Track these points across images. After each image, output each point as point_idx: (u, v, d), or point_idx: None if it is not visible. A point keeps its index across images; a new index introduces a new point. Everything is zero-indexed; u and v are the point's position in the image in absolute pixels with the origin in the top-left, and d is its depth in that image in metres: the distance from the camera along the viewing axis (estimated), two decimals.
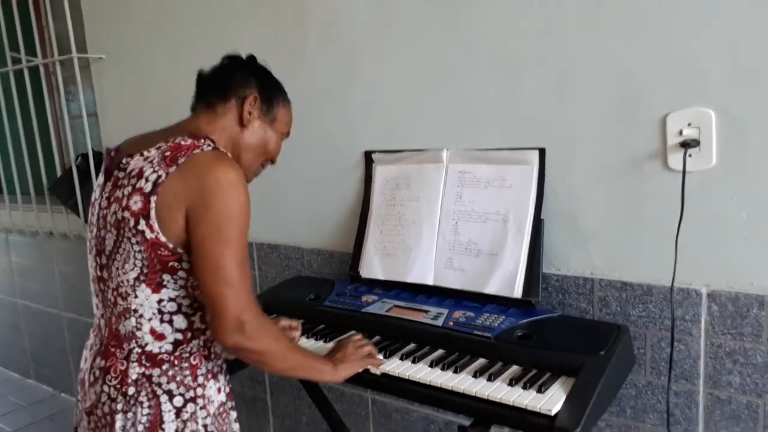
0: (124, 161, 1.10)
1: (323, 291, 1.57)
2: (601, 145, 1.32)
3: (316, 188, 1.80)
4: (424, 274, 1.48)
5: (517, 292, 1.35)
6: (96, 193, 1.15)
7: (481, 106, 1.46)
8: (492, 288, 1.38)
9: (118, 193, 1.07)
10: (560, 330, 1.26)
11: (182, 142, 1.06)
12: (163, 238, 1.03)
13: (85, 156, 2.47)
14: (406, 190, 1.56)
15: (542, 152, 1.39)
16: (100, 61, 2.38)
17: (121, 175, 1.09)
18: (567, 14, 1.32)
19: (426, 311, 1.38)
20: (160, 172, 1.03)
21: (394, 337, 1.35)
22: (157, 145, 1.07)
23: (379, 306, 1.43)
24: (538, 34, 1.35)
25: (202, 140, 1.08)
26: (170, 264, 1.05)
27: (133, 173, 1.06)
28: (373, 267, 1.56)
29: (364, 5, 1.61)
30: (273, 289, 1.69)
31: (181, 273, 1.06)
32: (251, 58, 1.24)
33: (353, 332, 1.36)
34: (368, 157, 1.66)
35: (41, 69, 2.66)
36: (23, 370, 3.32)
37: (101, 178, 1.15)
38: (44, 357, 3.15)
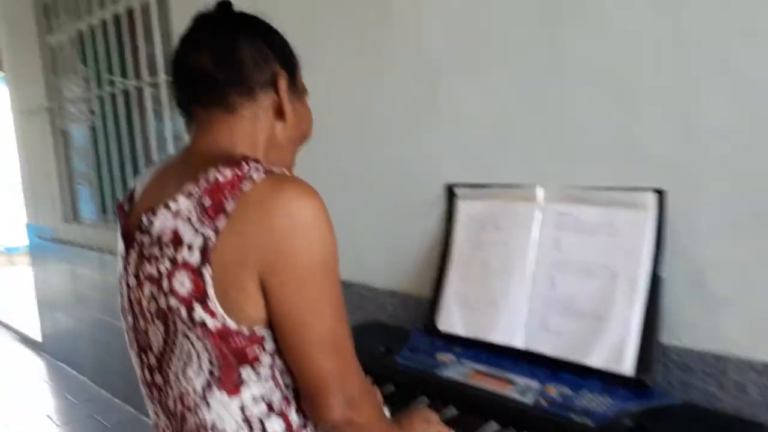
0: (144, 221, 0.80)
1: (396, 342, 1.37)
2: (738, 188, 1.04)
3: (393, 223, 1.61)
4: (512, 335, 1.25)
5: (627, 368, 1.09)
6: (119, 266, 0.88)
7: (585, 135, 1.22)
8: (595, 359, 1.13)
9: (151, 270, 0.79)
10: (683, 423, 0.99)
11: (219, 178, 0.76)
12: (233, 324, 0.76)
13: None
14: (493, 232, 1.34)
15: (661, 194, 1.12)
16: None
17: (146, 240, 0.80)
18: (697, 27, 1.06)
19: (513, 382, 1.15)
20: (207, 232, 0.75)
21: (472, 411, 1.13)
22: (185, 190, 0.78)
23: (458, 369, 1.22)
24: (659, 51, 1.10)
25: (245, 165, 0.77)
26: (250, 353, 0.78)
27: (165, 239, 0.78)
28: (452, 319, 1.35)
29: (450, 22, 1.42)
30: None
31: (265, 359, 0.80)
32: (228, 7, 0.89)
33: (423, 406, 1.15)
34: (450, 191, 1.45)
35: (133, 92, 2.68)
36: (113, 389, 3.36)
37: (120, 245, 0.88)
38: (131, 378, 3.17)
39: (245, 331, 0.77)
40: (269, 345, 0.79)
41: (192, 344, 0.78)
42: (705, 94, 1.06)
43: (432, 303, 1.42)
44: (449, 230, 1.44)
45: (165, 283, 0.77)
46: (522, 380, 1.15)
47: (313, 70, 1.69)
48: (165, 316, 0.78)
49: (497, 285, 1.30)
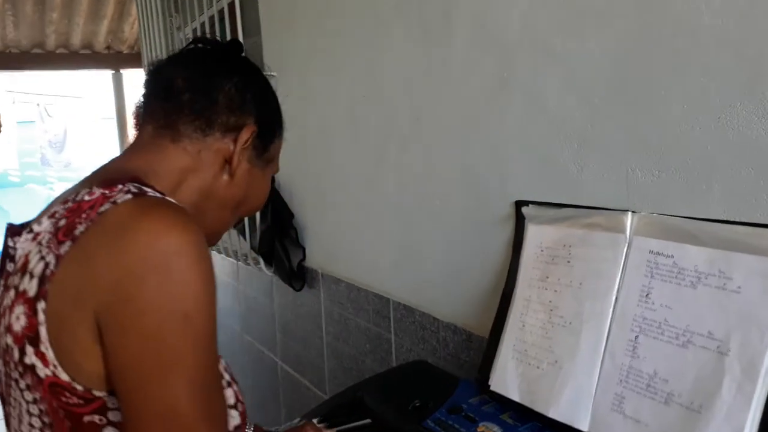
0: (10, 244, 0.69)
1: (437, 395, 1.10)
2: None
3: (455, 243, 1.33)
4: (576, 413, 0.92)
5: None
6: None
7: (696, 139, 0.86)
8: None
9: (6, 300, 0.66)
10: None
11: (86, 197, 0.64)
12: (65, 376, 0.60)
13: None
14: (564, 268, 1.02)
15: None
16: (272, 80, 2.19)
17: (10, 267, 0.68)
18: None
19: None
20: (49, 258, 0.62)
21: None
22: (51, 211, 0.67)
23: None
24: None
25: (119, 186, 0.64)
26: (86, 422, 0.62)
27: (19, 265, 0.66)
28: (506, 378, 1.05)
29: (524, 4, 1.10)
30: (382, 376, 1.27)
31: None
32: (237, 50, 0.82)
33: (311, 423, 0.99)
34: (519, 209, 1.14)
35: None
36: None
37: None
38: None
39: (79, 389, 0.61)
40: (113, 415, 0.62)
41: (22, 394, 0.65)
42: None
43: (488, 351, 1.13)
44: (515, 260, 1.13)
45: (7, 317, 0.65)
46: None
47: (383, 62, 1.44)
48: (4, 357, 0.66)
49: (563, 341, 0.97)
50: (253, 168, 0.80)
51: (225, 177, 0.77)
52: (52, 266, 0.61)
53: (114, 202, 0.62)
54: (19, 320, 0.63)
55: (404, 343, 1.52)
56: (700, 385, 0.80)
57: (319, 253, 1.93)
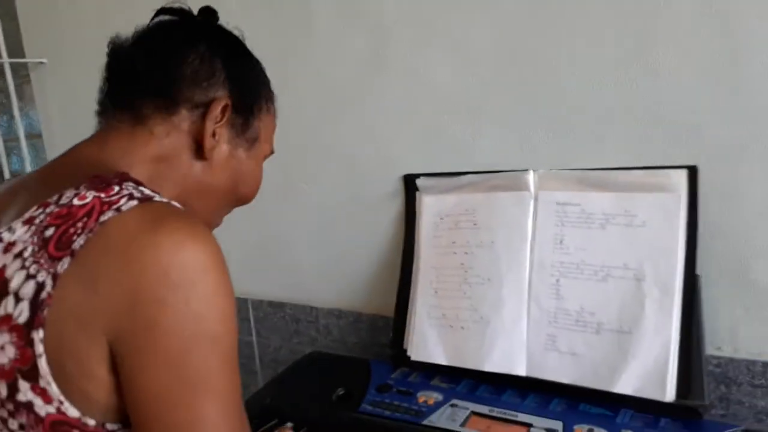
0: None
1: (356, 381, 1.06)
2: None
3: (334, 226, 1.30)
4: (513, 361, 0.98)
5: (671, 394, 0.87)
6: None
7: (586, 100, 0.98)
8: (627, 385, 0.89)
9: None
10: None
11: (75, 201, 0.54)
12: (74, 411, 0.51)
13: None
14: (471, 231, 1.07)
15: (693, 172, 0.91)
16: (40, 67, 1.86)
17: None
18: None
19: (528, 425, 0.88)
20: (42, 277, 0.51)
21: None
22: (27, 215, 0.55)
23: (450, 414, 0.93)
24: None
25: (115, 187, 0.55)
26: None
27: None
28: (428, 345, 1.07)
29: None
30: (282, 376, 1.18)
31: None
32: (209, 17, 0.72)
33: None
34: (409, 183, 1.17)
35: None
36: None
37: None
38: None
39: (90, 424, 0.51)
40: None
41: None
42: (750, 34, 0.85)
43: (397, 325, 1.13)
44: (410, 233, 1.15)
45: None
46: (540, 421, 0.88)
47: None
48: None
49: (485, 297, 1.03)
50: (236, 149, 0.69)
51: (200, 161, 0.67)
52: (48, 288, 0.50)
53: (117, 210, 0.52)
54: (4, 351, 0.51)
55: (271, 343, 1.43)
56: (625, 311, 0.92)
57: None
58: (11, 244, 0.54)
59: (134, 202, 0.53)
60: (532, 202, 1.02)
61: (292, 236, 1.36)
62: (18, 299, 0.51)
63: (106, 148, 0.63)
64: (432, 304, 1.08)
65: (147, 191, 0.56)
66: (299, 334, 1.38)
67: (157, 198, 0.56)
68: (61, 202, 0.54)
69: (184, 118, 0.65)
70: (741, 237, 0.89)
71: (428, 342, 1.07)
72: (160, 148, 0.64)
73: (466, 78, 1.08)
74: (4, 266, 0.53)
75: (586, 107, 0.98)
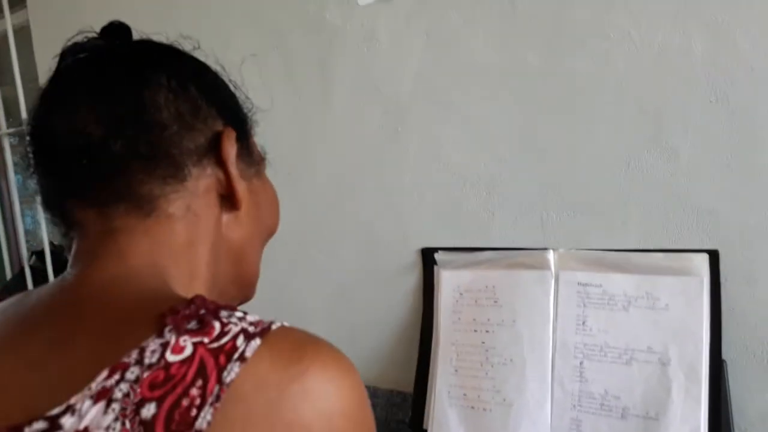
0: None
1: None
2: None
3: (350, 297, 1.30)
4: None
5: None
6: None
7: (604, 180, 0.99)
8: None
9: None
10: None
11: (170, 356, 0.39)
12: None
13: (40, 254, 1.94)
14: (492, 309, 1.07)
15: (714, 256, 0.91)
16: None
17: None
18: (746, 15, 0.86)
19: None
20: None
21: None
22: (95, 387, 0.38)
23: None
24: (710, 73, 0.89)
25: (215, 323, 0.41)
26: None
27: None
28: (448, 426, 1.05)
29: (415, 43, 1.15)
30: None
31: None
32: (125, 35, 0.55)
33: None
34: (427, 256, 1.17)
35: None
36: None
37: None
38: None
39: None
40: None
41: None
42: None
43: (416, 403, 1.12)
44: (429, 308, 1.15)
45: None
46: None
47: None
48: None
49: (507, 379, 1.02)
50: (250, 181, 0.56)
51: (230, 216, 0.54)
52: None
53: (242, 358, 0.39)
54: None
55: None
56: (651, 396, 0.91)
57: None
58: None
59: (256, 342, 0.40)
60: (553, 282, 1.02)
61: (306, 306, 1.36)
62: None
63: (129, 262, 0.48)
64: (453, 383, 1.07)
65: (248, 316, 0.43)
66: None
67: (272, 324, 0.43)
68: (148, 361, 0.39)
69: (198, 177, 0.50)
70: (764, 321, 0.89)
71: (450, 423, 1.05)
72: (188, 229, 0.50)
73: (483, 155, 1.10)
74: None
75: (604, 188, 0.99)
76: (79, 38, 0.53)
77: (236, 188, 0.52)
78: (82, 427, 0.37)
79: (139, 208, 0.49)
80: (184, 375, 0.38)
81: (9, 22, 1.96)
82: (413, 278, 1.19)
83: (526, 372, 1.00)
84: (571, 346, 0.98)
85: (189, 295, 0.45)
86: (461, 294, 1.11)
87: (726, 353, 0.89)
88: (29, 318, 0.46)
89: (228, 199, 0.53)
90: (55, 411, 0.37)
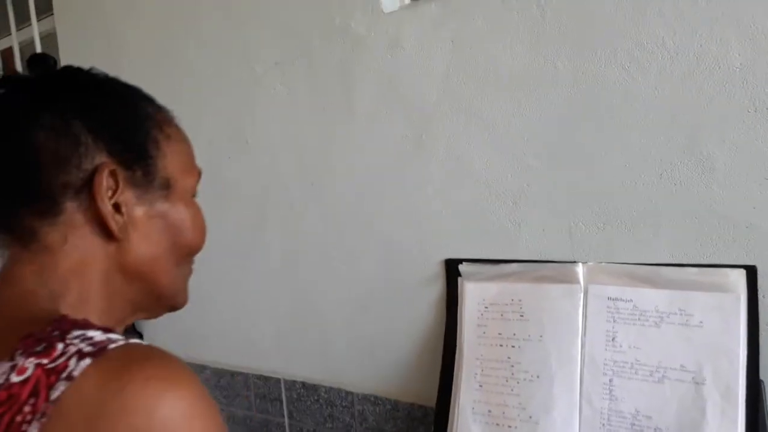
0: None
1: None
2: None
3: (372, 308, 1.27)
4: None
5: None
6: None
7: (635, 192, 0.96)
8: None
9: None
10: None
11: (14, 377, 0.43)
12: None
13: None
14: (518, 323, 1.04)
15: (752, 272, 0.88)
16: None
17: None
18: None
19: None
20: None
21: None
22: None
23: None
24: (746, 70, 0.86)
25: (59, 345, 0.45)
26: None
27: None
28: None
29: (440, 49, 1.13)
30: None
31: None
32: (40, 68, 0.59)
33: None
34: (451, 267, 1.15)
35: None
36: None
37: None
38: None
39: None
40: None
41: None
42: None
43: (439, 417, 1.09)
44: (452, 320, 1.12)
45: None
46: None
47: (265, 114, 1.35)
48: None
49: (534, 395, 0.99)
50: (152, 206, 0.58)
51: (115, 243, 0.56)
52: None
53: (69, 378, 0.42)
54: None
55: (304, 426, 1.39)
56: (684, 416, 0.88)
57: (167, 337, 1.69)
58: None
59: (87, 361, 0.43)
60: (581, 296, 0.99)
61: (327, 316, 1.34)
62: None
63: (19, 288, 0.52)
64: (476, 398, 1.05)
65: (98, 335, 0.46)
66: (333, 419, 1.34)
67: (113, 342, 0.45)
68: None
69: (74, 211, 0.53)
70: None
71: None
72: (67, 258, 0.53)
73: (509, 164, 1.08)
74: None
75: (636, 200, 0.96)
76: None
77: (107, 219, 0.54)
78: None
79: (20, 239, 0.54)
80: (21, 394, 0.41)
81: (36, 30, 1.98)
82: (436, 290, 1.17)
83: (553, 389, 0.97)
84: (601, 362, 0.95)
85: (80, 315, 0.49)
86: (486, 307, 1.08)
87: (764, 373, 0.86)
88: None
89: (106, 231, 0.55)
90: None
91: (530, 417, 0.98)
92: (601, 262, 0.99)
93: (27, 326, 0.46)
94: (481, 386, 1.05)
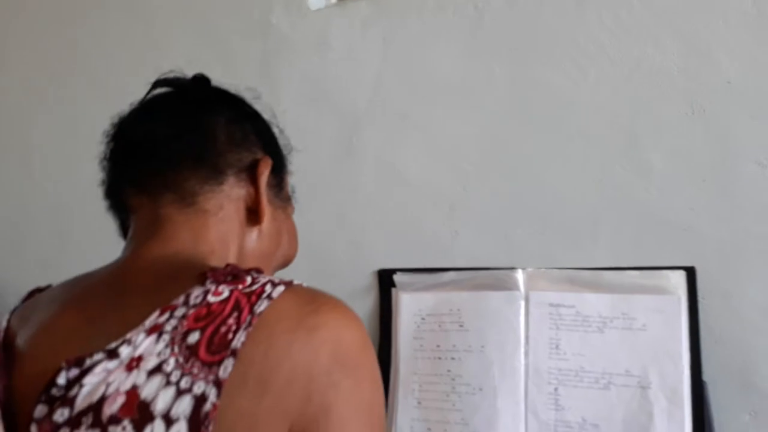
0: (61, 380, 0.47)
1: None
2: None
3: None
4: None
5: None
6: None
7: (574, 196, 0.95)
8: None
9: None
10: None
11: (211, 299, 0.48)
12: None
13: None
14: (458, 334, 0.99)
15: (691, 273, 0.88)
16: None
17: (61, 416, 0.46)
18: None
19: None
20: (201, 388, 0.45)
21: None
22: (147, 324, 0.48)
23: None
24: (684, 75, 0.88)
25: (248, 277, 0.51)
26: None
27: (112, 409, 0.45)
28: None
29: (369, 53, 1.08)
30: None
31: None
32: (205, 81, 0.67)
33: None
34: (384, 278, 1.08)
35: None
36: None
37: None
38: None
39: None
40: None
41: None
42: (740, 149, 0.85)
43: None
44: (387, 333, 1.06)
45: None
46: None
47: None
48: None
49: (477, 409, 0.94)
50: (276, 211, 0.65)
51: (253, 231, 0.62)
52: (212, 398, 0.44)
53: (269, 297, 0.49)
54: None
55: None
56: (632, 421, 0.86)
57: None
58: (137, 360, 0.46)
59: (281, 287, 0.50)
60: (522, 303, 0.96)
61: None
62: (170, 422, 0.44)
63: (172, 244, 0.57)
64: (415, 416, 0.98)
65: (273, 277, 0.53)
66: None
67: (294, 281, 0.53)
68: (193, 302, 0.48)
69: (233, 185, 0.60)
70: (743, 340, 0.87)
71: None
72: (219, 225, 0.59)
73: (445, 170, 1.04)
74: (135, 387, 0.45)
75: (574, 204, 0.95)
76: (169, 75, 0.65)
77: (262, 202, 0.61)
78: (137, 354, 0.46)
79: (182, 199, 0.58)
80: (223, 310, 0.48)
81: None
82: (369, 302, 1.10)
83: (497, 402, 0.93)
84: (545, 371, 0.92)
85: None
86: (423, 318, 1.03)
87: (705, 374, 0.86)
88: (89, 288, 0.57)
89: (253, 212, 0.61)
90: (113, 344, 0.47)
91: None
92: (541, 268, 0.97)
93: (189, 268, 0.52)
94: (419, 403, 0.99)
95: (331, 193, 1.13)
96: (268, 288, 0.49)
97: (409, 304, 1.05)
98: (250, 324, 0.47)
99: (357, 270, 1.11)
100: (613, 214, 0.93)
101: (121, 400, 0.45)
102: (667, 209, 0.89)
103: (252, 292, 0.49)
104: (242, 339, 0.46)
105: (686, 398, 0.85)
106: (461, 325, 0.99)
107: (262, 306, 0.48)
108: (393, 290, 1.07)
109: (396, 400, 1.01)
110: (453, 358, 0.98)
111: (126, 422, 0.44)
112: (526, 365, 0.94)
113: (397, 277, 1.06)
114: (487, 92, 1.00)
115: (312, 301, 0.50)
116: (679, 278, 0.88)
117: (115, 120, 0.64)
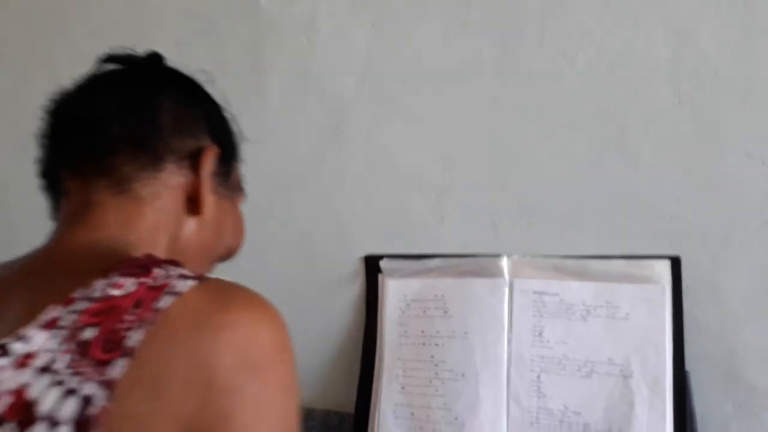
0: None
1: None
2: None
3: (284, 309, 1.17)
4: None
5: None
6: None
7: (560, 184, 0.95)
8: None
9: None
10: None
11: (114, 292, 0.45)
12: None
13: None
14: (442, 320, 0.99)
15: (676, 262, 0.88)
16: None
17: None
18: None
19: None
20: (88, 389, 0.41)
21: None
22: (43, 318, 0.44)
23: None
24: (671, 63, 0.87)
25: (157, 270, 0.48)
26: None
27: (3, 408, 0.42)
28: None
29: (357, 40, 1.07)
30: None
31: None
32: (158, 60, 0.65)
33: None
34: (371, 264, 1.08)
35: None
36: None
37: None
38: None
39: None
40: None
41: None
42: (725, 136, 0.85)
43: (358, 424, 1.02)
44: (373, 319, 1.06)
45: None
46: None
47: None
48: None
49: (459, 395, 0.94)
50: (221, 200, 0.63)
51: (192, 220, 0.60)
52: (100, 400, 0.41)
53: (175, 293, 0.45)
54: None
55: None
56: (613, 410, 0.86)
57: None
58: (29, 357, 0.43)
59: (191, 282, 0.46)
60: (507, 291, 0.96)
61: None
62: (54, 424, 0.40)
63: (99, 231, 0.54)
64: (398, 401, 0.99)
65: (192, 270, 0.50)
66: None
67: (210, 276, 0.50)
68: (94, 295, 0.45)
69: (173, 173, 0.58)
70: (727, 330, 0.87)
71: None
72: (154, 213, 0.57)
73: (432, 156, 1.03)
74: (23, 386, 0.42)
75: (561, 192, 0.95)
76: (120, 51, 0.63)
77: (202, 193, 0.59)
78: (30, 351, 0.43)
79: (116, 185, 0.56)
80: (122, 305, 0.44)
81: None
82: (355, 288, 1.10)
83: (479, 388, 0.93)
84: (528, 359, 0.92)
85: None
86: (408, 304, 1.03)
87: (688, 364, 0.86)
88: (5, 277, 0.53)
89: (192, 202, 0.59)
90: (6, 340, 0.44)
91: (456, 418, 0.93)
92: (526, 256, 0.96)
93: (105, 258, 0.49)
94: (403, 388, 0.99)
95: (318, 179, 1.12)
96: (175, 282, 0.46)
97: (394, 290, 1.04)
98: (150, 322, 0.43)
99: (343, 256, 1.10)
100: (599, 202, 0.92)
101: (7, 399, 0.42)
102: (653, 198, 0.89)
103: (157, 287, 0.46)
104: (138, 337, 0.42)
105: (668, 388, 0.84)
106: (445, 312, 0.99)
107: (164, 302, 0.44)
108: (379, 276, 1.06)
109: (380, 384, 1.01)
110: (437, 344, 0.98)
111: (14, 425, 0.41)
112: (509, 352, 0.93)
113: (384, 263, 1.06)
114: (475, 77, 0.99)
115: (223, 297, 0.47)
116: (664, 268, 0.88)
117: (57, 95, 0.61)
